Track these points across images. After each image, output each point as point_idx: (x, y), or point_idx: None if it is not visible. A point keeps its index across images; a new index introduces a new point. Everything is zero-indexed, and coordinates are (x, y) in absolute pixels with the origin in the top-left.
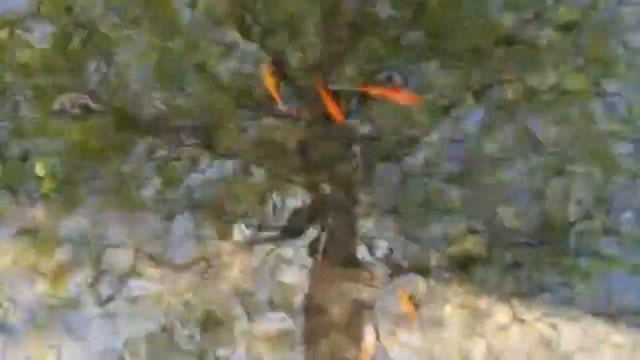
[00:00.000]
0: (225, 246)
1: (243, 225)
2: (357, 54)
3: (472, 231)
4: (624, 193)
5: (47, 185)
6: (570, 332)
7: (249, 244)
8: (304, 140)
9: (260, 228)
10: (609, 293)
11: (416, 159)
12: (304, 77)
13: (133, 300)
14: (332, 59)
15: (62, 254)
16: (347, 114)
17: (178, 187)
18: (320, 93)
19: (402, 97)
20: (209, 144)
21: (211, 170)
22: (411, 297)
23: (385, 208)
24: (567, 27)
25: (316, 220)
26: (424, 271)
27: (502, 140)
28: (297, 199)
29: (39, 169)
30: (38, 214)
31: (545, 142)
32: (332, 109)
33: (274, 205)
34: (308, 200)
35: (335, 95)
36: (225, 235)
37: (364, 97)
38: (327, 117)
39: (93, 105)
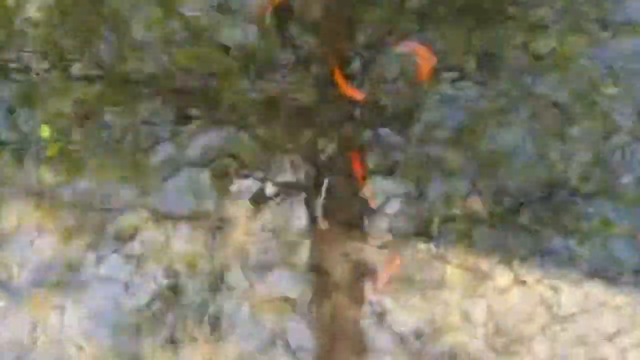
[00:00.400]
0: (229, 204)
1: (246, 185)
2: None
3: (474, 193)
4: (624, 156)
5: (52, 149)
6: (571, 294)
7: (253, 203)
8: (308, 103)
9: (263, 187)
10: (609, 255)
11: (418, 122)
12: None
13: (136, 259)
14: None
15: (66, 216)
16: (351, 77)
17: (183, 147)
18: (335, 77)
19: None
20: (213, 107)
21: (215, 132)
22: (396, 261)
23: (387, 170)
24: None
25: (319, 183)
26: (425, 233)
27: (503, 102)
28: (299, 160)
29: (45, 132)
30: (43, 176)
31: (546, 104)
32: (350, 91)
33: (277, 166)
34: (310, 163)
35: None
36: (229, 194)
37: (366, 62)
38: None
39: (98, 70)
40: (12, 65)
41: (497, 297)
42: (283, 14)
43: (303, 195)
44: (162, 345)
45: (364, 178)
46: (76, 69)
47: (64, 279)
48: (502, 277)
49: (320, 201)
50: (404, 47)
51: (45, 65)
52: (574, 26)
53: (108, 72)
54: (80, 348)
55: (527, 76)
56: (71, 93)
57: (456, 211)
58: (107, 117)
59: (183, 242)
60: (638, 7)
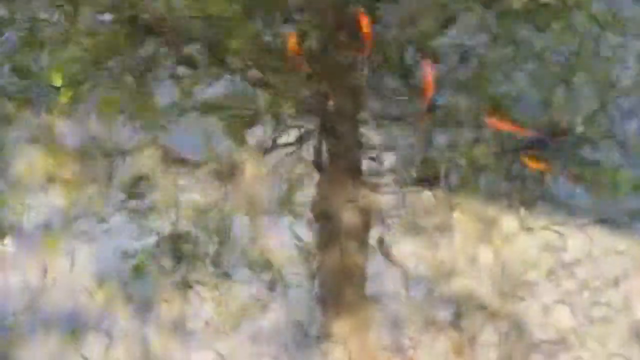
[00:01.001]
0: (236, 151)
1: (254, 132)
2: None
3: (480, 140)
4: (629, 103)
5: (64, 95)
6: (576, 240)
7: (260, 149)
8: (312, 49)
9: (270, 134)
10: (614, 201)
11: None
12: None
13: (145, 205)
14: None
15: (76, 162)
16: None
17: (190, 94)
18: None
19: None
20: (219, 53)
21: (222, 78)
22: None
23: (392, 117)
24: None
25: (325, 129)
26: (431, 180)
27: (509, 49)
28: (306, 107)
29: (56, 79)
30: (53, 120)
31: (550, 51)
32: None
33: (284, 113)
34: (317, 110)
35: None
36: (237, 139)
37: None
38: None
39: (108, 14)
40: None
41: (503, 243)
42: None
43: (309, 142)
44: (172, 290)
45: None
46: (85, 13)
47: (74, 225)
48: (508, 223)
49: (326, 148)
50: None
51: (53, 11)
52: None
53: (117, 16)
54: (90, 293)
55: (534, 23)
56: (80, 39)
57: (462, 158)
58: (116, 61)
59: (191, 187)
60: None
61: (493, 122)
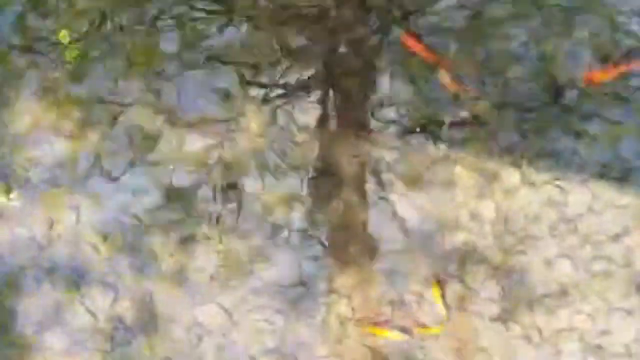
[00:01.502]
0: (240, 104)
1: (259, 86)
2: None
3: (482, 95)
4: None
5: (70, 53)
6: (578, 194)
7: (264, 102)
8: (322, 5)
9: (274, 87)
10: (616, 155)
11: (427, 22)
12: None
13: (150, 160)
14: None
15: (81, 117)
16: None
17: (195, 46)
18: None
19: None
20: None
21: (228, 31)
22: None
23: (397, 72)
24: None
25: (331, 83)
26: (434, 134)
27: (510, 4)
28: (311, 62)
29: (63, 37)
30: (58, 75)
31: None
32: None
33: (290, 68)
34: (322, 64)
35: None
36: (240, 93)
37: None
38: None
39: None
40: None
41: (505, 197)
42: None
43: (314, 96)
44: (177, 244)
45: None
46: None
47: (79, 179)
48: (511, 178)
49: (330, 102)
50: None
51: None
52: None
53: None
54: (95, 247)
55: None
56: None
57: (465, 113)
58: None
59: (196, 143)
60: None
61: (407, 41)
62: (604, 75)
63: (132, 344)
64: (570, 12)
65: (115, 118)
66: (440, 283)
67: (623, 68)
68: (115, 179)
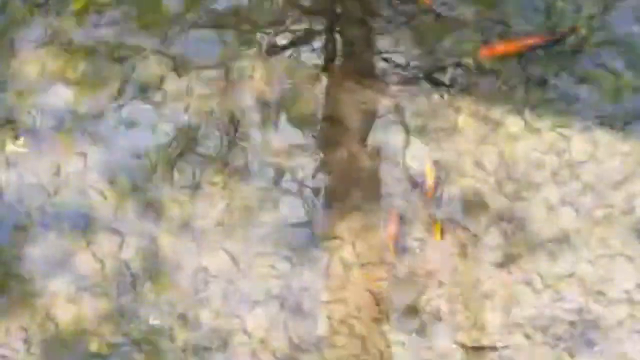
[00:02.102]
0: (247, 54)
1: (264, 34)
2: None
3: (484, 43)
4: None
5: (77, 1)
6: (581, 141)
7: (269, 53)
8: None
9: (280, 37)
10: (618, 103)
11: None
12: None
13: (156, 107)
14: None
15: (88, 65)
16: None
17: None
18: None
19: None
20: None
21: None
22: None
23: (401, 21)
24: None
25: (334, 32)
26: (438, 82)
27: None
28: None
29: None
30: (65, 23)
31: None
32: None
33: (294, 15)
34: (326, 12)
35: None
36: (246, 43)
37: None
38: None
39: None
40: None
41: (508, 144)
42: None
43: (318, 44)
44: (181, 190)
45: None
46: None
47: (86, 126)
48: (513, 124)
49: (335, 50)
50: None
51: None
52: None
53: None
54: (102, 194)
55: None
56: None
57: (468, 61)
58: None
59: (202, 90)
60: None
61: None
62: (503, 49)
63: (138, 289)
64: None
65: (120, 65)
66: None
67: (511, 47)
68: (120, 125)
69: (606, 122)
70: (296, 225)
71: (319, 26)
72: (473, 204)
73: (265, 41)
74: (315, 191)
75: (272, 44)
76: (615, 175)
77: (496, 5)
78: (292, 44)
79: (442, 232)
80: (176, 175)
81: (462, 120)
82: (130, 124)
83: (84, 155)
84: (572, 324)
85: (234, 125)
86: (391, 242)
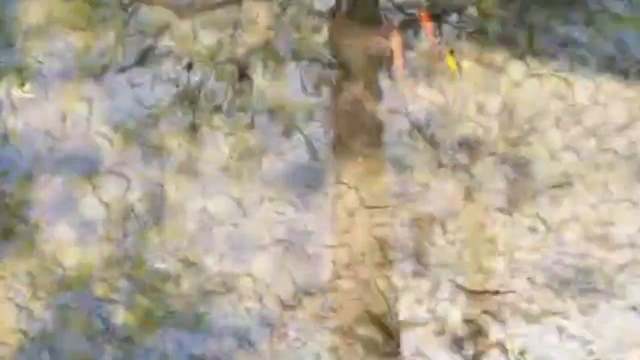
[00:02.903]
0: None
1: None
2: None
3: None
4: None
5: None
6: (583, 87)
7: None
8: None
9: None
10: (621, 50)
11: None
12: None
13: (161, 52)
14: None
15: (94, 10)
16: None
17: None
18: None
19: None
20: None
21: None
22: (453, 53)
23: None
24: None
25: None
26: (442, 27)
27: None
28: None
29: None
30: None
31: None
32: None
33: None
34: None
35: None
36: None
37: None
38: None
39: None
40: None
41: (511, 89)
42: None
43: None
44: (186, 135)
45: None
46: None
47: (92, 72)
48: (516, 70)
49: None
50: None
51: None
52: None
53: None
54: (107, 139)
55: None
56: None
57: (470, 7)
58: None
59: (206, 36)
60: None
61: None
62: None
63: (143, 233)
64: None
65: (127, 12)
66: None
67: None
68: (127, 71)
69: (609, 67)
70: (301, 170)
71: None
72: (476, 149)
73: None
74: (320, 137)
75: None
76: (618, 120)
77: None
78: None
79: (459, 65)
80: (181, 120)
81: (465, 65)
82: (135, 71)
83: (89, 101)
84: (575, 268)
85: (239, 71)
86: (399, 63)
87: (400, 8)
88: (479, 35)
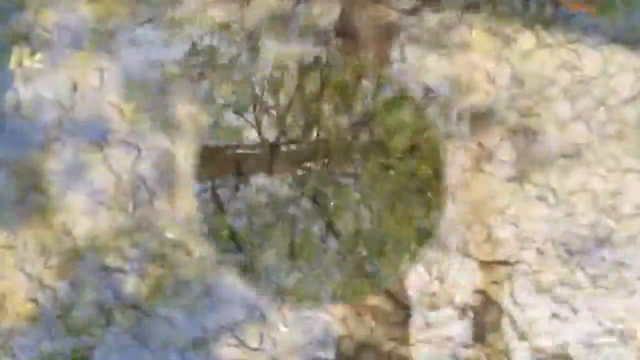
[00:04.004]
0: None
1: None
2: None
3: None
4: None
5: None
6: (592, 58)
7: None
8: None
9: None
10: (629, 23)
11: None
12: None
13: (172, 23)
14: None
15: None
16: None
17: None
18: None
19: None
20: None
21: None
22: None
23: None
24: None
25: None
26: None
27: None
28: None
29: None
30: None
31: None
32: None
33: None
34: None
35: None
36: None
37: None
38: None
39: None
40: None
41: (520, 60)
42: None
43: None
44: (197, 104)
45: None
46: None
47: (103, 42)
48: (526, 40)
49: None
50: None
51: None
52: None
53: None
54: (118, 109)
55: None
56: None
57: None
58: None
59: (217, 7)
60: None
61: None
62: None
63: (154, 202)
64: None
65: None
66: None
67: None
68: (137, 41)
69: (618, 37)
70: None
71: None
72: (486, 119)
73: None
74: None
75: None
76: (627, 91)
77: None
78: None
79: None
80: (191, 89)
81: (475, 35)
82: (146, 42)
83: (100, 70)
84: (584, 238)
85: (247, 42)
86: None
87: None
88: (489, 4)
